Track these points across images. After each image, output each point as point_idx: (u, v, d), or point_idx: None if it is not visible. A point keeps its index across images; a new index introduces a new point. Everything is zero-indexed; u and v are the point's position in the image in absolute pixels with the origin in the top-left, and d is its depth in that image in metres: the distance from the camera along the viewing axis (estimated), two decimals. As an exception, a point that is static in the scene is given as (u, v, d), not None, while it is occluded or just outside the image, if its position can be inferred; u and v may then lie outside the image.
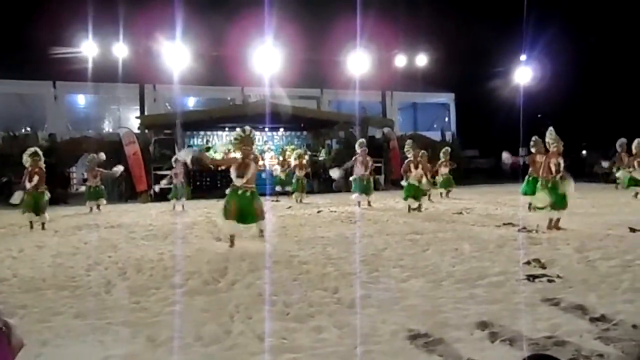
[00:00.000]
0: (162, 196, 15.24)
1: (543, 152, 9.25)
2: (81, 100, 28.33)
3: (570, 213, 8.20)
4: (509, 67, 26.20)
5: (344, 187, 19.53)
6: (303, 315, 3.84)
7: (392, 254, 6.20)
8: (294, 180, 15.60)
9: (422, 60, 25.52)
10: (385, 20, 23.73)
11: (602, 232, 7.43)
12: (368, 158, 12.98)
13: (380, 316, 3.76)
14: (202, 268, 5.54)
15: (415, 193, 11.43)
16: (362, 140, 13.47)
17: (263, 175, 16.61)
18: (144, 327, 3.67)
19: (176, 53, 20.40)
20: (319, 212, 11.90)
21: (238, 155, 7.45)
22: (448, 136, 26.33)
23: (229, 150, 21.27)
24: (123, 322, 3.77)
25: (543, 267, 5.24)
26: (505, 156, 10.83)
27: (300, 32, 23.49)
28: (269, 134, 23.33)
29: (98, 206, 13.57)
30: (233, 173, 7.06)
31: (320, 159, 21.27)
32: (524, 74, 24.63)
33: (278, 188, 16.45)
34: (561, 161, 7.92)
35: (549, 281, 4.66)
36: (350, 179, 13.65)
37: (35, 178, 9.89)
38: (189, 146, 21.46)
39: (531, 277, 4.78)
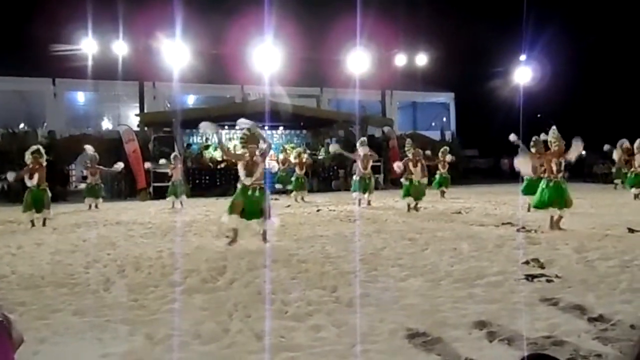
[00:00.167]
0: (161, 194, 15.23)
1: (543, 153, 9.25)
2: (81, 97, 28.32)
3: (569, 213, 8.20)
4: (508, 66, 26.24)
5: (343, 186, 19.58)
6: (301, 314, 3.84)
7: (390, 253, 6.20)
8: (293, 179, 15.60)
9: (422, 59, 25.53)
10: (385, 20, 23.71)
11: (601, 233, 7.44)
12: (370, 153, 12.89)
13: (379, 315, 3.76)
14: (200, 266, 5.54)
15: (414, 192, 11.43)
16: (364, 138, 13.46)
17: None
18: (143, 324, 3.67)
19: (176, 51, 20.40)
20: (318, 210, 11.91)
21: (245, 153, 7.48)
22: (447, 136, 26.34)
23: (228, 149, 21.30)
24: (121, 319, 3.77)
25: (542, 267, 5.25)
26: (514, 138, 10.65)
27: (300, 30, 23.49)
28: (269, 132, 23.31)
29: (96, 204, 13.58)
30: (242, 172, 7.15)
31: (319, 157, 21.27)
32: (524, 73, 24.65)
33: (278, 186, 16.44)
34: (563, 161, 7.93)
35: (548, 281, 4.66)
36: (353, 178, 13.67)
37: (36, 175, 9.88)
38: (188, 144, 21.46)
39: (530, 277, 4.78)
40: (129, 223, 10.06)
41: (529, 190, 10.18)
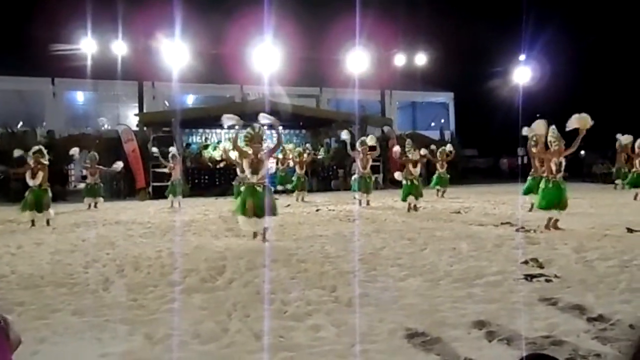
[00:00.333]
0: (161, 193, 15.23)
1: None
2: (80, 97, 28.31)
3: (568, 213, 8.20)
4: (508, 66, 26.28)
5: (342, 185, 19.58)
6: (301, 314, 3.84)
7: (390, 253, 6.20)
8: (294, 179, 15.59)
9: (421, 59, 25.54)
10: (384, 19, 23.73)
11: (600, 233, 7.44)
12: (369, 155, 12.97)
13: (378, 315, 3.76)
14: (200, 266, 5.54)
15: (415, 192, 11.44)
16: (364, 138, 13.48)
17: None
18: (142, 324, 3.66)
19: (175, 51, 20.40)
20: (317, 210, 11.91)
21: (250, 151, 7.62)
22: (447, 135, 26.34)
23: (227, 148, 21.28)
24: (121, 319, 3.77)
25: (541, 266, 5.25)
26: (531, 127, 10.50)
27: (299, 30, 23.50)
28: (268, 132, 23.28)
29: (96, 204, 13.59)
30: (247, 170, 7.35)
31: (319, 157, 21.27)
32: (523, 73, 24.67)
33: (279, 187, 16.42)
34: (563, 160, 7.93)
35: (547, 281, 4.66)
36: (353, 178, 13.70)
37: (40, 174, 9.87)
38: (187, 144, 21.46)
39: (529, 277, 4.78)
40: (128, 223, 10.06)
41: (530, 190, 10.19)
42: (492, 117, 27.47)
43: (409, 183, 11.56)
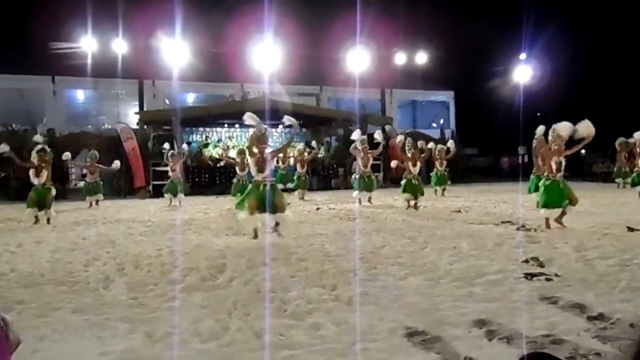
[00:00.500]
0: (161, 192, 15.22)
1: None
2: (80, 95, 28.29)
3: (568, 212, 8.20)
4: (508, 65, 26.23)
5: (343, 184, 19.58)
6: (301, 312, 3.84)
7: (390, 252, 6.20)
8: (295, 177, 15.59)
9: (421, 58, 25.50)
10: (385, 18, 23.71)
11: (601, 231, 7.43)
12: (369, 154, 12.98)
13: (378, 313, 3.76)
14: (200, 264, 5.54)
15: (413, 189, 11.45)
16: (364, 137, 13.47)
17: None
18: (142, 322, 3.66)
19: (175, 49, 20.37)
20: (317, 209, 11.91)
21: (255, 150, 7.75)
22: (447, 134, 26.33)
23: (227, 147, 21.31)
24: (121, 317, 3.77)
25: (541, 265, 5.24)
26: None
27: (299, 29, 23.48)
28: (268, 130, 23.27)
29: (97, 202, 13.59)
30: (253, 168, 7.55)
31: (319, 156, 21.26)
32: (524, 72, 24.63)
33: (280, 186, 16.40)
34: (563, 160, 7.92)
35: (547, 280, 4.66)
36: (353, 176, 13.70)
37: (44, 173, 9.87)
38: (188, 143, 21.46)
39: (529, 276, 4.78)
40: (128, 221, 10.06)
41: (536, 189, 10.19)
42: (493, 116, 27.49)
43: (406, 181, 11.58)
